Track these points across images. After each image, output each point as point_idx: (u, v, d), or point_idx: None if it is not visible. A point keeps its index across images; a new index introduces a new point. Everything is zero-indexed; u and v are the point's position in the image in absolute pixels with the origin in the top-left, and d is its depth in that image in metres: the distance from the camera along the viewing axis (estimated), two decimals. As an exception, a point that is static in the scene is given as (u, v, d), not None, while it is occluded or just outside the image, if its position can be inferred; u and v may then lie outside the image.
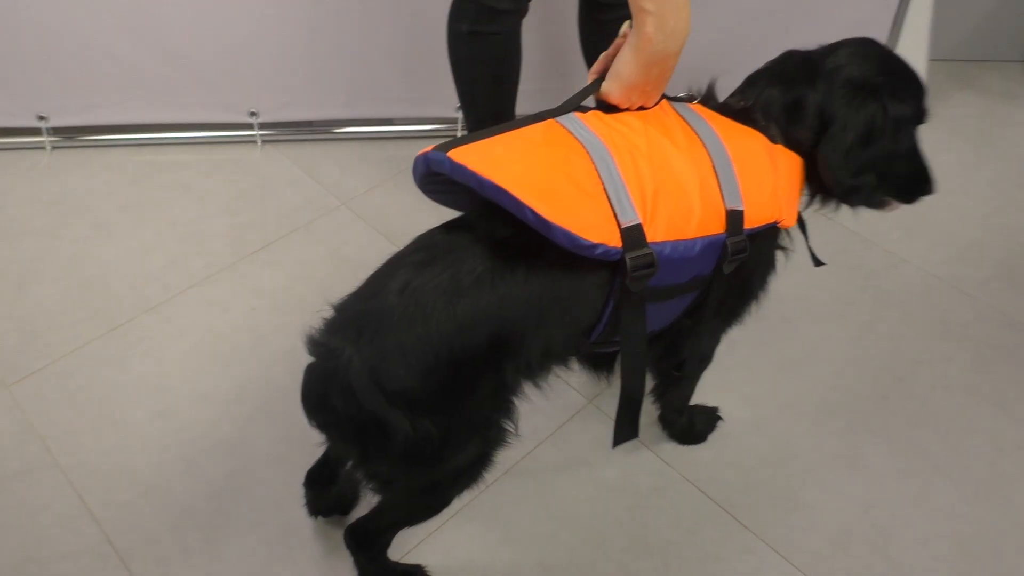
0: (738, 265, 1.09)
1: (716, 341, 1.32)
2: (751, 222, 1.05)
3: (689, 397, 1.44)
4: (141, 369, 1.58)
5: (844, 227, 1.90)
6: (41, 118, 2.03)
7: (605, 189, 0.97)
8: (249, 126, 2.08)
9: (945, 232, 1.93)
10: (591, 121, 1.04)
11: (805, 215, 1.17)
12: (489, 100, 1.72)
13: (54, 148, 2.07)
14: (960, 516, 1.40)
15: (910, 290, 1.79)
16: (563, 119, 1.04)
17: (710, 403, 1.53)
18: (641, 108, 1.09)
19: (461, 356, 0.96)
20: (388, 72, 2.03)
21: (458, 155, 0.96)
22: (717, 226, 1.03)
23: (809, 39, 2.02)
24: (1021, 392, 1.59)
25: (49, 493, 1.38)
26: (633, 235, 0.97)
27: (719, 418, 1.52)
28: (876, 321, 1.72)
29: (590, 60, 1.61)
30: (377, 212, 1.91)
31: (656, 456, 1.47)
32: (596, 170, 0.98)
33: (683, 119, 1.08)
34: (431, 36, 1.96)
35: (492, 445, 1.09)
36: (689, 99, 1.15)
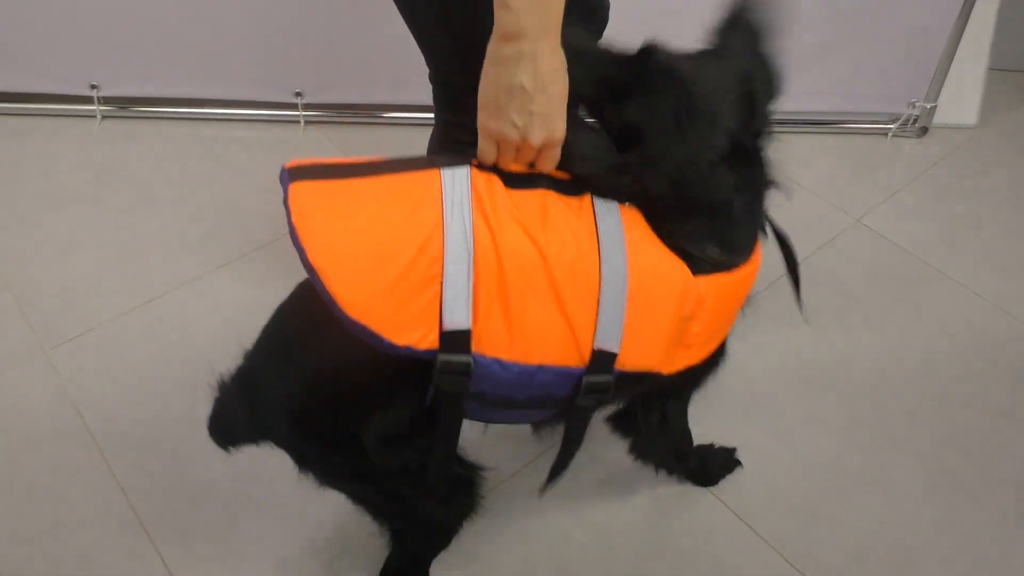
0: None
1: (673, 408, 1.19)
2: (625, 365, 0.92)
3: (678, 448, 1.33)
4: (174, 341, 1.61)
5: (883, 237, 1.86)
6: (93, 87, 2.07)
7: (444, 280, 0.85)
8: (294, 106, 2.10)
9: (991, 248, 1.88)
10: (479, 195, 0.89)
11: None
12: None
13: (104, 117, 2.11)
14: (984, 540, 1.37)
15: (949, 306, 1.75)
16: (448, 178, 0.89)
17: (735, 419, 1.51)
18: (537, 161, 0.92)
19: (316, 414, 0.99)
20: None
21: (297, 195, 0.86)
22: (576, 360, 0.91)
23: (868, 46, 1.98)
24: (1058, 418, 1.55)
25: (79, 459, 1.42)
26: (454, 340, 0.86)
27: (738, 462, 1.44)
28: (911, 335, 1.68)
29: None
30: (414, 198, 1.92)
31: (676, 460, 1.46)
32: (443, 254, 0.85)
33: (595, 225, 0.91)
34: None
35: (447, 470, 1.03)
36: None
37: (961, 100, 2.08)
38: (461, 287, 0.85)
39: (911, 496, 1.43)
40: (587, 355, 0.90)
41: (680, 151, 0.91)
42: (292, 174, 0.88)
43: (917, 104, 2.09)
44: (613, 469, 1.44)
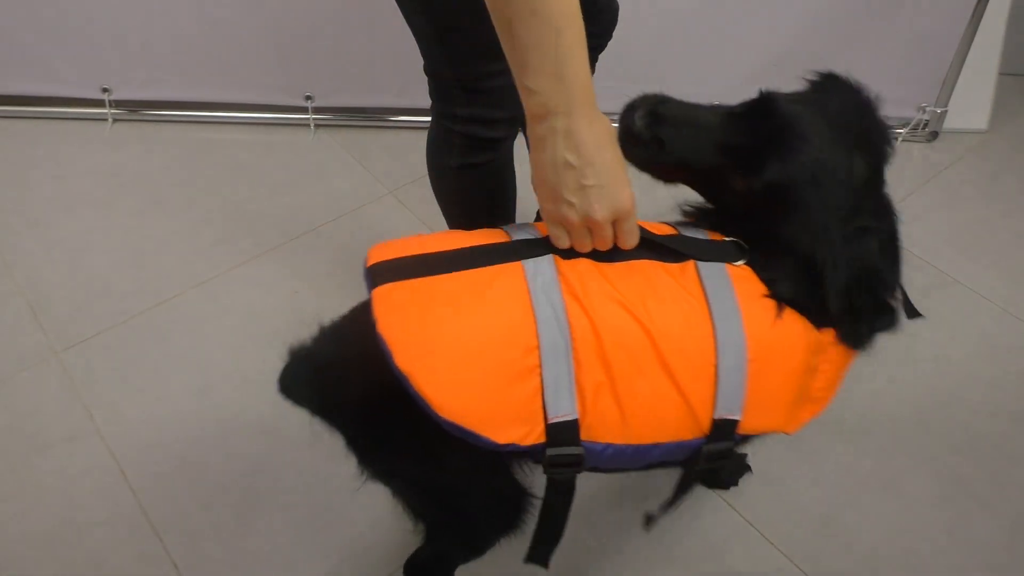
0: None
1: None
2: (747, 429, 0.88)
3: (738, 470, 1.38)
4: (184, 344, 1.61)
5: (896, 242, 1.85)
6: (105, 90, 2.08)
7: (543, 371, 0.81)
8: (304, 109, 2.11)
9: (1001, 253, 1.87)
10: (568, 281, 0.85)
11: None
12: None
13: (115, 121, 2.12)
14: (996, 548, 1.37)
15: (959, 311, 1.74)
16: (531, 269, 0.85)
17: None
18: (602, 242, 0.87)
19: (383, 420, 0.94)
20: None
21: (382, 299, 0.84)
22: (695, 432, 0.87)
23: (879, 51, 1.98)
24: (1070, 425, 1.54)
25: (90, 461, 1.43)
26: (562, 431, 0.82)
27: (748, 467, 1.43)
28: (921, 341, 1.67)
29: None
30: (423, 203, 1.92)
31: (686, 465, 1.46)
32: (538, 344, 0.81)
33: (704, 291, 0.86)
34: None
35: (515, 493, 1.00)
36: (736, 254, 0.90)
37: (972, 105, 2.07)
38: (563, 376, 0.81)
39: (923, 503, 1.42)
40: (707, 426, 0.86)
41: (826, 212, 0.86)
42: (375, 276, 0.86)
43: (928, 109, 2.08)
44: (624, 474, 1.44)
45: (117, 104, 2.11)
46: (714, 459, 0.89)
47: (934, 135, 2.14)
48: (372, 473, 1.00)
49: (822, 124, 0.86)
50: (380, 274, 0.86)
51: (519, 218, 1.45)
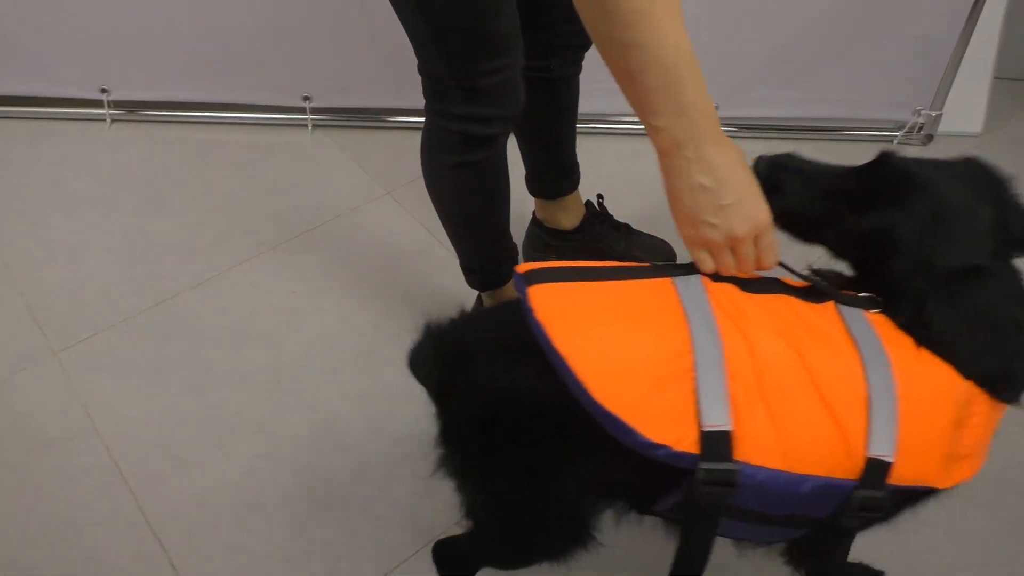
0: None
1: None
2: (900, 479, 0.82)
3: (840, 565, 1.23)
4: (183, 344, 1.62)
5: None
6: (103, 91, 2.09)
7: (696, 381, 0.78)
8: (302, 110, 2.11)
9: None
10: (717, 296, 0.85)
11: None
12: (485, 230, 1.44)
13: (114, 121, 2.13)
14: (993, 549, 1.37)
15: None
16: (682, 286, 0.86)
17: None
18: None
19: (515, 435, 0.89)
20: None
21: (535, 295, 0.83)
22: (847, 470, 0.81)
23: (874, 54, 1.99)
24: (1064, 426, 1.55)
25: (88, 460, 1.43)
26: (716, 442, 0.77)
27: None
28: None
29: None
30: (420, 203, 1.93)
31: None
32: (692, 354, 0.79)
33: (847, 330, 0.84)
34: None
35: (585, 529, 0.98)
36: (870, 304, 0.88)
37: (966, 108, 2.08)
38: (716, 384, 0.78)
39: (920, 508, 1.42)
40: (860, 464, 0.81)
41: (947, 247, 0.84)
42: (527, 279, 0.85)
43: (923, 112, 2.09)
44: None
45: (116, 104, 2.11)
46: (862, 511, 0.83)
47: (929, 138, 2.15)
48: (456, 468, 0.97)
49: (946, 177, 0.86)
50: (533, 278, 0.86)
51: (514, 219, 1.46)
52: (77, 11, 1.96)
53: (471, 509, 1.03)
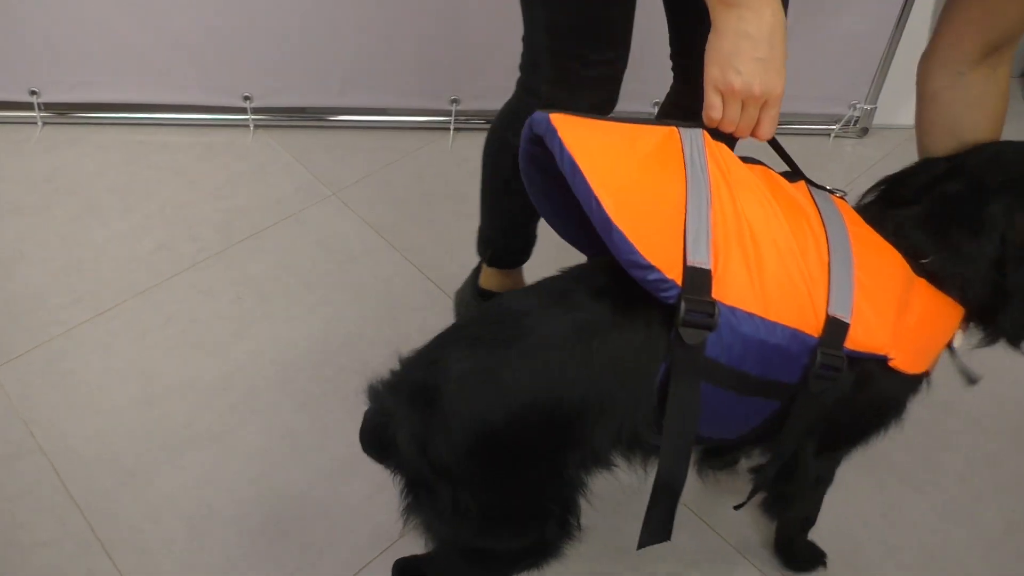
0: (849, 401, 0.96)
1: (833, 463, 1.18)
2: (855, 343, 0.90)
3: (810, 514, 1.32)
4: (127, 355, 1.58)
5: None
6: (33, 92, 2.02)
7: (686, 222, 0.85)
8: (242, 110, 2.07)
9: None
10: (714, 153, 0.92)
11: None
12: (519, 211, 1.39)
13: (45, 124, 2.06)
14: (929, 529, 1.44)
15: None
16: (685, 135, 0.92)
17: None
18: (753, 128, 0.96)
19: (509, 445, 0.89)
20: (383, 61, 2.02)
21: (559, 121, 0.88)
22: (811, 326, 0.88)
23: (811, 51, 2.03)
24: (996, 407, 1.62)
25: (32, 479, 1.39)
26: (697, 277, 0.83)
27: (822, 564, 1.37)
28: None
29: None
30: (366, 203, 1.92)
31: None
32: (686, 200, 0.86)
33: (816, 205, 0.96)
34: (429, 24, 1.96)
35: (551, 535, 1.00)
36: (832, 191, 1.02)
37: (900, 102, 2.15)
38: (703, 226, 0.85)
39: (859, 491, 1.48)
40: (822, 321, 0.88)
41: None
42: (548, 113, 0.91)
43: (858, 106, 2.15)
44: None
45: (46, 107, 2.05)
46: (826, 370, 0.89)
47: (864, 131, 2.22)
48: (439, 505, 0.94)
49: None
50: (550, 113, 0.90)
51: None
52: (4, 11, 1.88)
53: (445, 540, 1.03)
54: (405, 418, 0.90)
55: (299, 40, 1.98)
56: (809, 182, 1.01)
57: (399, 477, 0.96)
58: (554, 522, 0.98)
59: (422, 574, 1.20)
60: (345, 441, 1.47)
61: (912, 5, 1.97)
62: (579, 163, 0.85)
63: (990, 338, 1.04)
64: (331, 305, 1.69)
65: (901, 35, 2.03)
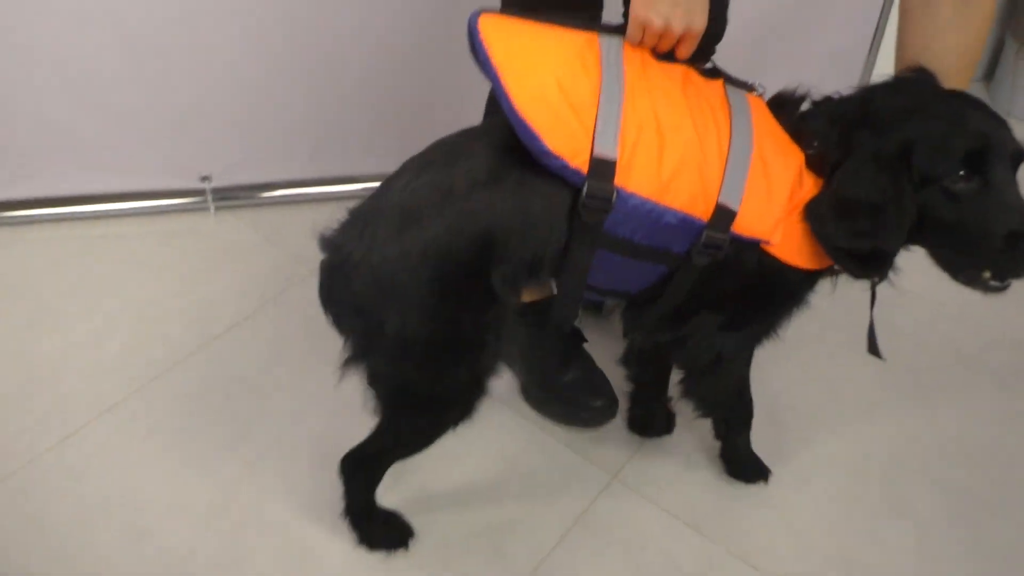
0: (743, 280, 1.07)
1: (738, 343, 1.20)
2: (741, 228, 1.02)
3: (720, 393, 1.31)
4: (106, 481, 1.37)
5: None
6: (-40, 193, 1.82)
7: (597, 116, 0.97)
8: (200, 192, 1.91)
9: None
10: (631, 58, 1.03)
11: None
12: None
13: (-21, 226, 1.85)
14: (1019, 554, 1.33)
15: (919, 319, 1.74)
16: (605, 42, 1.03)
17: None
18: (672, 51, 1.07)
19: (448, 256, 0.99)
20: (349, 128, 1.89)
21: (485, 22, 1.00)
22: (701, 212, 1.01)
23: (791, 68, 1.98)
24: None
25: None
26: (601, 167, 0.96)
27: (764, 479, 1.41)
28: (891, 354, 1.63)
29: None
30: (353, 277, 1.76)
31: (698, 534, 1.35)
32: (599, 96, 0.98)
33: (727, 102, 1.05)
34: (398, 84, 1.85)
35: (483, 370, 1.10)
36: (750, 88, 1.10)
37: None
38: (612, 120, 0.96)
39: (936, 522, 1.38)
40: (711, 208, 1.00)
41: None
42: (489, 12, 1.02)
43: (841, 123, 2.13)
44: (633, 553, 1.32)
45: (-19, 207, 1.84)
46: (708, 249, 1.02)
47: (849, 149, 2.19)
48: (360, 350, 1.08)
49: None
50: (491, 12, 1.02)
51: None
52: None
53: (379, 395, 1.12)
54: (356, 247, 1.00)
55: (257, 111, 1.85)
56: (728, 79, 1.10)
57: (347, 323, 1.08)
58: (485, 354, 1.08)
59: (367, 454, 1.21)
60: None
61: (887, 21, 1.99)
62: (494, 61, 0.97)
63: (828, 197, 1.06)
64: (334, 400, 1.51)
65: (879, 52, 2.04)
